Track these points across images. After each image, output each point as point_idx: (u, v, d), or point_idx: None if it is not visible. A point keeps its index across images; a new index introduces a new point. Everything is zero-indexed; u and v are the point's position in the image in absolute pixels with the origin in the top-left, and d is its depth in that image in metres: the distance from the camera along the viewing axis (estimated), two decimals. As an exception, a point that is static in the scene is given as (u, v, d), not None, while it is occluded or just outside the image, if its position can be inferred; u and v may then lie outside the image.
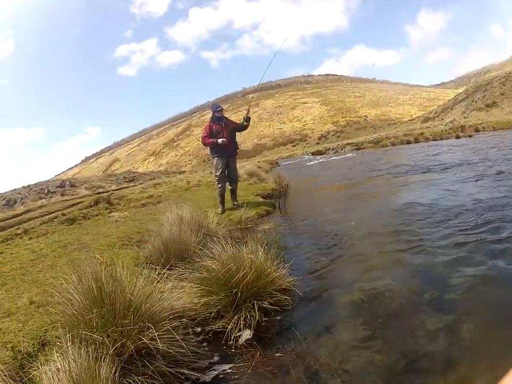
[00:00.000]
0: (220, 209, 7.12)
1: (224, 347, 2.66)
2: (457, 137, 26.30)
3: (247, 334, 2.70)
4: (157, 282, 2.89)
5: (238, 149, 7.70)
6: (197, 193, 10.77)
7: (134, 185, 20.11)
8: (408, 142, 29.19)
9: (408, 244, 4.11)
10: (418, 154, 15.91)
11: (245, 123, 7.60)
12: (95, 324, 2.21)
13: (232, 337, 2.69)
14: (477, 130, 29.73)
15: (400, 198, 6.91)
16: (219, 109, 7.44)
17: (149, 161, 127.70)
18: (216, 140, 7.16)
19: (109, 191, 15.45)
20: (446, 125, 41.78)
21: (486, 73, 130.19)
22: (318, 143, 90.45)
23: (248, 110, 7.73)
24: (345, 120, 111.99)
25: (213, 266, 3.13)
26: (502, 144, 14.53)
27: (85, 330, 2.15)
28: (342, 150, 37.10)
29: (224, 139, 7.14)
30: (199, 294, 2.99)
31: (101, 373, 1.84)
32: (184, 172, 58.32)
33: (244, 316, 2.81)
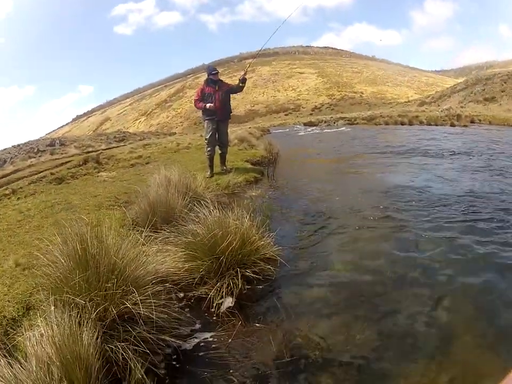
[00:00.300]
0: (209, 173, 7.04)
1: (206, 314, 2.68)
2: (452, 125, 26.14)
3: (228, 302, 2.72)
4: (142, 245, 2.85)
5: (231, 113, 7.58)
6: (186, 155, 10.65)
7: (123, 145, 19.81)
8: (402, 123, 28.96)
9: (394, 228, 4.16)
10: (413, 136, 15.80)
11: (241, 84, 7.39)
12: (78, 287, 2.19)
13: (214, 304, 2.70)
14: (472, 122, 29.53)
15: (391, 178, 6.96)
16: (214, 71, 7.25)
17: (140, 122, 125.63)
18: (205, 104, 7.03)
19: (98, 151, 15.17)
20: (442, 111, 41.42)
21: (488, 68, 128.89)
22: (311, 114, 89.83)
23: (246, 72, 7.63)
24: (341, 94, 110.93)
25: (198, 231, 3.08)
26: (499, 140, 14.45)
27: (68, 294, 2.13)
28: (334, 123, 36.69)
29: (212, 104, 6.98)
30: (183, 259, 2.95)
31: (83, 338, 1.84)
32: (175, 133, 57.91)
33: (227, 283, 2.80)
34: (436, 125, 26.60)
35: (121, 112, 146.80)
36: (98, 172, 8.39)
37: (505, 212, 4.50)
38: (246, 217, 3.26)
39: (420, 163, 8.54)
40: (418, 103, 73.23)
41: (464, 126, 25.89)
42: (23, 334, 2.02)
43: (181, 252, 3.02)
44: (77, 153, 15.23)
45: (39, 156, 23.73)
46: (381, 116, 37.67)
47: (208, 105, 6.98)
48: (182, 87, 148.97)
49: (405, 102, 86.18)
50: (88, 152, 15.13)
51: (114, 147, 19.13)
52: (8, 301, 2.60)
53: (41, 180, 7.58)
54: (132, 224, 3.90)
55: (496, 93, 56.76)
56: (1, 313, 2.45)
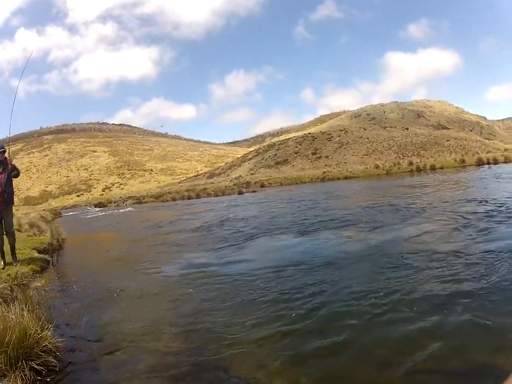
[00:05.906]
0: (2, 263, 6.79)
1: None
2: (240, 192, 28.36)
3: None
4: None
5: (13, 197, 7.10)
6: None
7: None
8: (189, 197, 30.70)
9: (176, 324, 4.25)
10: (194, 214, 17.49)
11: (12, 173, 6.94)
12: None
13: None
14: (262, 186, 32.76)
15: (171, 265, 7.14)
16: (2, 150, 6.77)
17: None
18: None
19: None
20: (231, 181, 45.10)
21: (284, 134, 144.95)
22: (102, 195, 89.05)
23: (10, 158, 7.04)
24: (131, 172, 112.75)
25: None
26: (272, 199, 17.65)
27: None
28: (123, 203, 38.09)
29: None
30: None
31: None
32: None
33: (21, 375, 3.00)
34: (224, 195, 28.51)
35: None
36: None
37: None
38: (25, 310, 3.48)
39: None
40: (207, 175, 78.34)
41: (253, 191, 28.38)
42: None
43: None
44: None
45: None
46: (169, 192, 39.68)
47: None
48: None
49: (194, 175, 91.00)
50: None
51: None
52: None
53: None
54: None
55: (290, 155, 64.11)
56: None
